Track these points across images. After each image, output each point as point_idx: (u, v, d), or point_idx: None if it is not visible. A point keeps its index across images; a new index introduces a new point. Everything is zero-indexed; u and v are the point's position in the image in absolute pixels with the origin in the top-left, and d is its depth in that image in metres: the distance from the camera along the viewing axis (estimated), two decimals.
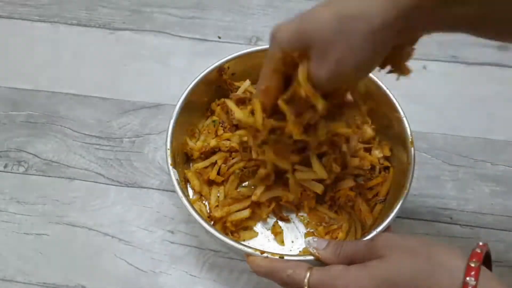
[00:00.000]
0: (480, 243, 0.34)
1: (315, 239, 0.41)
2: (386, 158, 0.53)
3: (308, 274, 0.37)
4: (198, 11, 0.71)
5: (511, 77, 0.65)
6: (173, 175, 0.47)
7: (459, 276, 0.31)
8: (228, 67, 0.54)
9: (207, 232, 0.44)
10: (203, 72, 0.52)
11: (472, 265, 0.31)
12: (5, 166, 0.58)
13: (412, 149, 0.48)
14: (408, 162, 0.47)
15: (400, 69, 0.37)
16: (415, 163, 0.47)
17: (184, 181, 0.52)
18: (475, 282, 0.31)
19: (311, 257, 0.41)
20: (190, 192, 0.52)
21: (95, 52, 0.67)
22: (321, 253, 0.40)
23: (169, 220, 0.54)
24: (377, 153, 0.52)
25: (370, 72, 0.36)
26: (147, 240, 0.53)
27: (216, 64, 0.53)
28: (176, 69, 0.65)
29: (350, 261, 0.38)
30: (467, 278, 0.31)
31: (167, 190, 0.56)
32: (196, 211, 0.45)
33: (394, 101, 0.50)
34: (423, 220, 0.54)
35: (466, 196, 0.55)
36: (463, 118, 0.61)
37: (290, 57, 0.35)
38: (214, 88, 0.55)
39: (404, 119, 0.49)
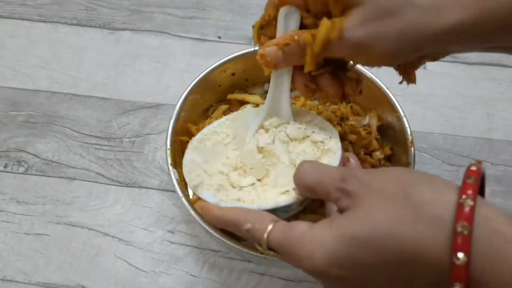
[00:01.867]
0: (473, 161, 0.28)
1: None
2: (386, 158, 0.53)
3: (268, 230, 0.31)
4: (198, 11, 0.71)
5: (511, 77, 0.65)
6: (173, 175, 0.47)
7: (450, 206, 0.25)
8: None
9: (207, 232, 0.44)
10: (203, 72, 0.52)
11: (470, 181, 0.25)
12: (5, 166, 0.58)
13: (412, 149, 0.48)
14: (408, 162, 0.47)
15: (410, 77, 0.37)
16: (415, 163, 0.47)
17: (184, 181, 0.52)
18: (472, 203, 0.24)
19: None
20: (190, 192, 0.52)
21: (95, 52, 0.67)
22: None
23: (169, 220, 0.54)
24: (377, 154, 0.52)
25: (397, 62, 0.35)
26: (147, 240, 0.53)
27: (216, 64, 0.53)
28: (176, 69, 0.65)
29: (313, 195, 0.32)
30: (463, 197, 0.24)
31: (167, 190, 0.56)
32: (196, 211, 0.45)
33: (394, 101, 0.50)
34: None
35: None
36: (463, 118, 0.61)
37: None
38: (214, 88, 0.55)
39: (404, 119, 0.49)
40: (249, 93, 0.58)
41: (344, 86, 0.38)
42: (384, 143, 0.54)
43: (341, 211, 0.29)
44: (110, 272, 0.51)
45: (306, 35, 0.34)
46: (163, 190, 0.56)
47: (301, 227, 0.30)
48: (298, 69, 0.38)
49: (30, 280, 0.51)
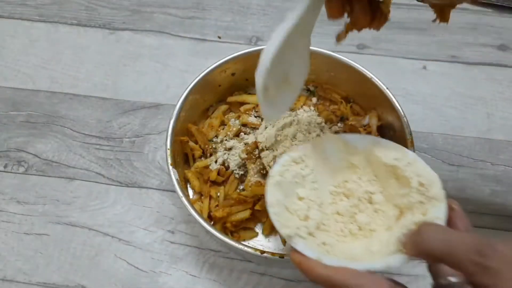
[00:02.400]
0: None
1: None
2: None
3: None
4: (198, 11, 0.71)
5: (511, 77, 0.65)
6: (173, 175, 0.47)
7: None
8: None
9: (207, 232, 0.44)
10: (203, 72, 0.52)
11: None
12: (5, 166, 0.58)
13: (412, 149, 0.48)
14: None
15: (444, 16, 0.36)
16: None
17: (184, 181, 0.52)
18: None
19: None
20: (190, 192, 0.52)
21: (95, 52, 0.67)
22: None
23: (169, 220, 0.54)
24: None
25: None
26: (147, 240, 0.53)
27: (216, 64, 0.53)
28: (176, 69, 0.65)
29: (435, 260, 0.29)
30: None
31: (167, 190, 0.56)
32: (196, 211, 0.45)
33: (394, 101, 0.50)
34: None
35: (466, 196, 0.55)
36: (463, 118, 0.61)
37: None
38: (214, 88, 0.55)
39: (404, 119, 0.49)
40: (249, 93, 0.58)
41: (373, 17, 0.36)
42: None
43: (476, 286, 0.27)
44: (110, 272, 0.51)
45: None
46: (163, 190, 0.56)
47: None
48: None
49: (30, 280, 0.51)
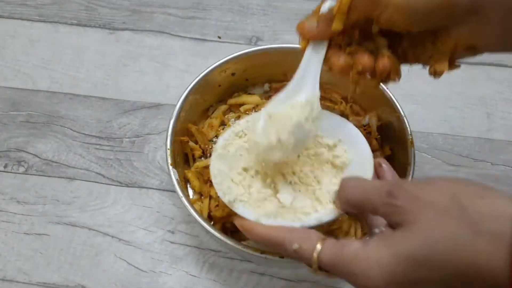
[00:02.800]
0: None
1: None
2: (386, 158, 0.53)
3: (318, 250, 0.30)
4: (198, 11, 0.71)
5: (511, 77, 0.64)
6: (173, 175, 0.47)
7: (509, 221, 0.25)
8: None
9: (207, 232, 0.44)
10: (203, 72, 0.52)
11: None
12: (5, 166, 0.58)
13: (412, 149, 0.48)
14: (408, 162, 0.47)
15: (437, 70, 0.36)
16: (415, 163, 0.47)
17: (184, 181, 0.52)
18: None
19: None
20: (190, 192, 0.52)
21: (95, 52, 0.67)
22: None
23: (169, 220, 0.54)
24: (378, 154, 0.52)
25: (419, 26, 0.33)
26: (147, 240, 0.53)
27: (216, 64, 0.53)
28: (176, 69, 0.65)
29: (357, 209, 0.33)
30: None
31: (167, 190, 0.56)
32: (196, 211, 0.45)
33: (394, 101, 0.50)
34: None
35: None
36: (463, 118, 0.61)
37: None
38: (214, 88, 0.55)
39: (404, 119, 0.49)
40: (249, 93, 0.58)
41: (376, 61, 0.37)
42: (384, 143, 0.54)
43: (392, 226, 0.29)
44: (110, 272, 0.51)
45: None
46: (163, 190, 0.56)
47: (354, 245, 0.29)
48: (335, 47, 0.37)
49: (30, 280, 0.51)
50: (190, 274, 0.51)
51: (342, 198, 0.33)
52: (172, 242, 0.53)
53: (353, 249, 0.29)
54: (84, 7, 0.71)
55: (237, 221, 0.36)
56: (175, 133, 0.50)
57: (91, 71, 0.65)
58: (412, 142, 0.48)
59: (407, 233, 0.27)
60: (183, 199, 0.45)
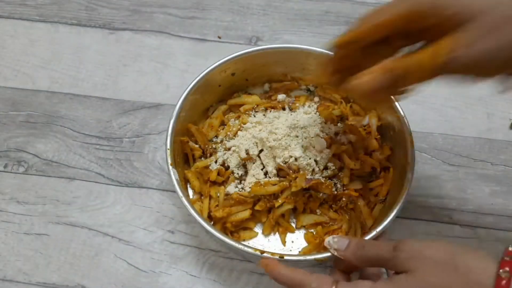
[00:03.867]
0: (510, 248, 0.33)
1: (336, 239, 0.40)
2: (386, 158, 0.53)
3: None
4: (198, 11, 0.71)
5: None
6: (173, 175, 0.47)
7: (491, 275, 0.31)
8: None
9: (207, 232, 0.44)
10: (203, 72, 0.53)
11: (507, 258, 0.31)
12: (5, 166, 0.58)
13: (412, 149, 0.48)
14: (408, 162, 0.47)
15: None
16: (415, 163, 0.47)
17: (184, 181, 0.52)
18: (509, 275, 0.30)
19: (320, 255, 0.42)
20: (190, 192, 0.53)
21: (95, 52, 0.67)
22: (341, 254, 0.39)
23: (169, 220, 0.54)
24: (377, 154, 0.52)
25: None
26: (147, 240, 0.53)
27: (216, 64, 0.53)
28: (176, 69, 0.65)
29: (371, 264, 0.38)
30: (501, 270, 0.31)
31: (167, 190, 0.56)
32: (196, 211, 0.45)
33: (394, 101, 0.50)
34: (423, 220, 0.54)
35: (466, 196, 0.55)
36: (463, 118, 0.61)
37: (421, 17, 0.31)
38: (214, 88, 0.55)
39: (404, 119, 0.49)
40: (249, 93, 0.58)
41: None
42: (384, 143, 0.54)
43: (397, 272, 0.35)
44: (110, 272, 0.51)
45: (412, 61, 0.34)
46: (163, 190, 0.56)
47: (364, 283, 0.35)
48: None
49: (30, 280, 0.51)
50: (190, 274, 0.51)
51: (360, 257, 0.38)
52: (172, 242, 0.53)
53: (366, 286, 0.35)
54: (84, 7, 0.71)
55: (263, 262, 0.40)
56: (175, 133, 0.50)
57: (91, 71, 0.65)
58: (412, 142, 0.48)
59: (410, 277, 0.33)
60: (183, 199, 0.45)
